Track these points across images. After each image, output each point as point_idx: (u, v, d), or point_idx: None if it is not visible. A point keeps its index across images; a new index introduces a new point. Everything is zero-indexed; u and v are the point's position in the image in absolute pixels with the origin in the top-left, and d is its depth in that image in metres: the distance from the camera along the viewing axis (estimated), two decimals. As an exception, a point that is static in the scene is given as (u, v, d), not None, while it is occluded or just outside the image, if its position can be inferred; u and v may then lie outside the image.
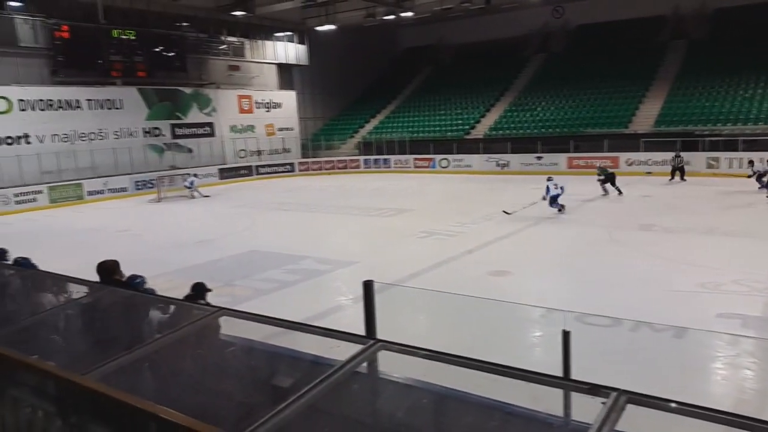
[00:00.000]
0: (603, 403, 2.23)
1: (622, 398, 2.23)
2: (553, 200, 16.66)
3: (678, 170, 23.49)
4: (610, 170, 21.27)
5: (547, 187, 16.80)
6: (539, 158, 28.59)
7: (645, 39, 33.52)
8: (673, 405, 2.19)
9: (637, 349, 6.93)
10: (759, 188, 19.58)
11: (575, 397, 2.41)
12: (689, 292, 9.20)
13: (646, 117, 28.89)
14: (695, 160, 24.73)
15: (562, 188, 16.75)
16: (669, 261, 11.38)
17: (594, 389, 2.31)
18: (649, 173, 25.39)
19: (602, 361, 5.76)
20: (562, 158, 28.06)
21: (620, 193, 20.09)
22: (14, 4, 24.82)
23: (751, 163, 20.90)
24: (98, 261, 5.56)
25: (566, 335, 3.64)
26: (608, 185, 20.23)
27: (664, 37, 33.88)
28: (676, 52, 32.65)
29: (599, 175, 20.63)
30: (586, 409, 2.29)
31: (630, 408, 2.22)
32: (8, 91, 23.99)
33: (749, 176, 20.33)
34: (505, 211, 16.75)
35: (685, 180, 23.15)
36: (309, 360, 3.13)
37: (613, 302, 8.88)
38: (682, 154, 23.87)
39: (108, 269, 5.41)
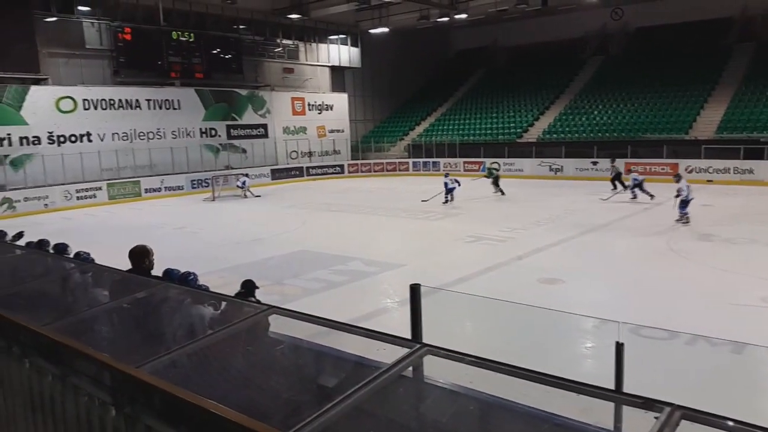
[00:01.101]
0: (656, 418, 2.16)
1: (677, 414, 2.15)
2: (449, 192, 20.60)
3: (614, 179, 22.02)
4: (496, 171, 24.30)
5: (445, 183, 20.77)
6: (595, 163, 27.95)
7: (709, 41, 32.35)
8: (731, 423, 2.09)
9: (694, 364, 6.68)
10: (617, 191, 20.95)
11: (627, 410, 2.34)
12: (751, 306, 8.82)
13: (708, 123, 27.86)
14: (759, 168, 23.70)
15: (458, 182, 20.83)
16: (729, 273, 10.94)
17: (647, 403, 2.23)
18: (710, 181, 24.48)
19: (656, 375, 5.58)
20: (619, 163, 27.28)
21: (503, 193, 22.77)
22: (83, 9, 25.93)
23: (612, 158, 22.06)
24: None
25: (620, 347, 3.54)
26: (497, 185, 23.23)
27: (731, 39, 32.59)
28: (742, 55, 31.35)
29: (488, 177, 23.55)
30: (638, 423, 2.22)
31: (684, 425, 2.14)
32: (74, 91, 25.09)
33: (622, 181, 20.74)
34: (423, 200, 20.83)
35: (615, 189, 21.40)
36: (355, 361, 3.14)
37: (669, 314, 8.58)
38: (616, 161, 23.49)
39: (137, 254, 5.56)
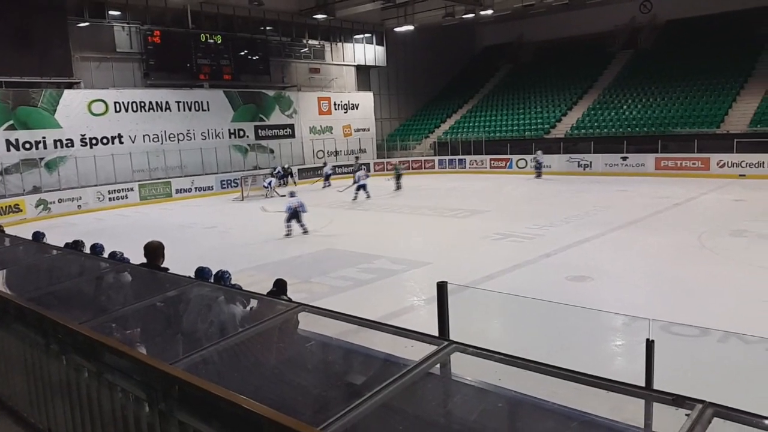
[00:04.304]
0: (687, 415, 2.14)
1: (709, 411, 2.12)
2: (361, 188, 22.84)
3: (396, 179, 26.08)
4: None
5: (358, 176, 23.19)
6: (625, 159, 27.56)
7: (742, 33, 31.56)
8: (766, 422, 2.06)
9: (726, 362, 6.55)
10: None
11: (657, 408, 2.32)
12: (787, 303, 8.61)
13: (740, 116, 27.21)
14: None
15: (367, 176, 23.31)
16: (764, 269, 10.69)
17: (678, 400, 2.21)
18: (742, 176, 23.95)
19: (687, 373, 5.50)
20: (649, 159, 26.91)
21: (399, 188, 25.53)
22: (114, 13, 26.45)
23: (357, 158, 26.69)
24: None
25: (650, 344, 3.50)
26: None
27: (766, 29, 31.72)
28: (777, 46, 30.52)
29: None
30: (669, 421, 2.21)
31: (717, 422, 2.11)
32: (105, 94, 25.61)
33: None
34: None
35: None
36: (382, 358, 3.17)
37: (701, 312, 8.44)
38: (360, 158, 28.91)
39: (153, 249, 5.56)
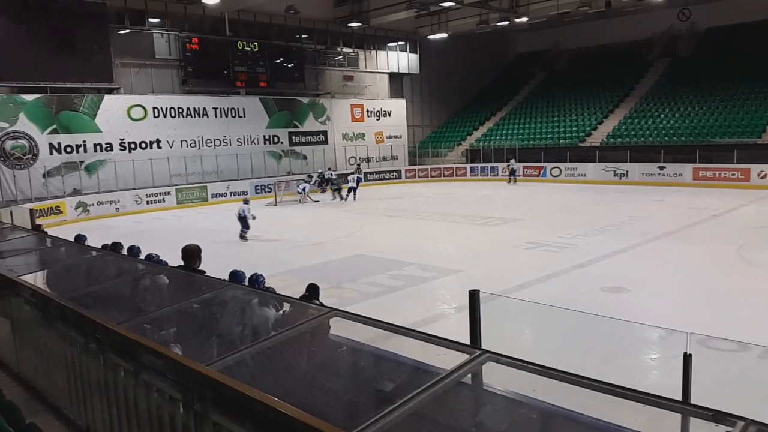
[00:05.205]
0: (728, 432, 2.08)
1: (751, 429, 2.06)
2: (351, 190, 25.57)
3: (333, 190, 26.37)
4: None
5: (347, 179, 25.87)
6: (662, 168, 27.01)
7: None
8: (812, 442, 2.00)
9: (767, 378, 6.35)
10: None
11: (695, 423, 2.26)
12: (832, 320, 8.32)
13: (784, 126, 26.45)
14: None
15: (358, 179, 26.35)
16: (808, 284, 10.36)
17: (718, 416, 2.16)
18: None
19: (726, 389, 5.35)
20: (687, 169, 26.33)
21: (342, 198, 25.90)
22: (154, 21, 27.10)
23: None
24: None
25: (687, 358, 3.42)
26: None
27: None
28: (822, 54, 29.62)
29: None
30: (707, 437, 2.15)
31: (759, 441, 2.05)
32: (144, 100, 26.20)
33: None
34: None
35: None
36: (414, 366, 3.15)
37: (738, 325, 8.20)
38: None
39: (190, 252, 5.71)
